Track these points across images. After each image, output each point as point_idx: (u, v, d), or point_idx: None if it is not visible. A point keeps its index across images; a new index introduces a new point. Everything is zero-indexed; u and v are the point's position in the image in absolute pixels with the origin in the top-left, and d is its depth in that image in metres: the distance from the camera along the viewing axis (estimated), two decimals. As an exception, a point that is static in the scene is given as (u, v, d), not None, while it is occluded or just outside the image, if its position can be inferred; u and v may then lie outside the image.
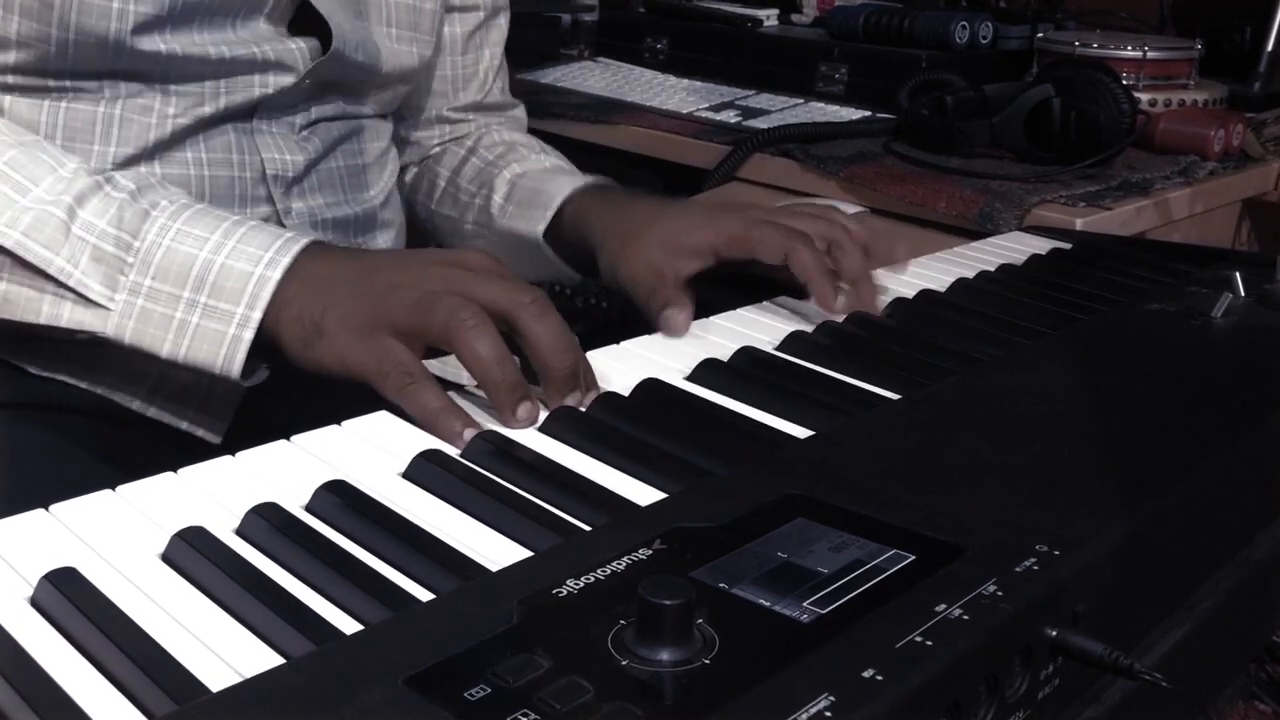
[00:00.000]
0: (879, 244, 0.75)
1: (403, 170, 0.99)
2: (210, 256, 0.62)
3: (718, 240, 0.73)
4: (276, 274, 0.61)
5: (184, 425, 0.74)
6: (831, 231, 0.74)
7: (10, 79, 0.69)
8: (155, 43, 0.69)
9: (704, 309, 0.73)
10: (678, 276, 0.73)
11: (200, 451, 0.72)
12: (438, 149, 0.99)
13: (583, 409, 0.58)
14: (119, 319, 0.62)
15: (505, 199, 0.90)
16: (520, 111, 1.04)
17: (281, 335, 0.61)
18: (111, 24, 0.67)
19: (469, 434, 0.54)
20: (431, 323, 0.57)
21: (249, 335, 0.61)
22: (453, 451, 0.53)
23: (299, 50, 0.76)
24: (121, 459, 0.74)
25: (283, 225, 0.78)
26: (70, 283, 0.62)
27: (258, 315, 0.61)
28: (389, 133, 0.91)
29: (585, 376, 0.59)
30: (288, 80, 0.75)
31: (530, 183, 0.89)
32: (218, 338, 0.61)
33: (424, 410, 0.55)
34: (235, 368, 0.61)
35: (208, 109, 0.73)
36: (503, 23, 0.99)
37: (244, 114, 0.76)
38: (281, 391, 0.73)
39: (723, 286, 0.78)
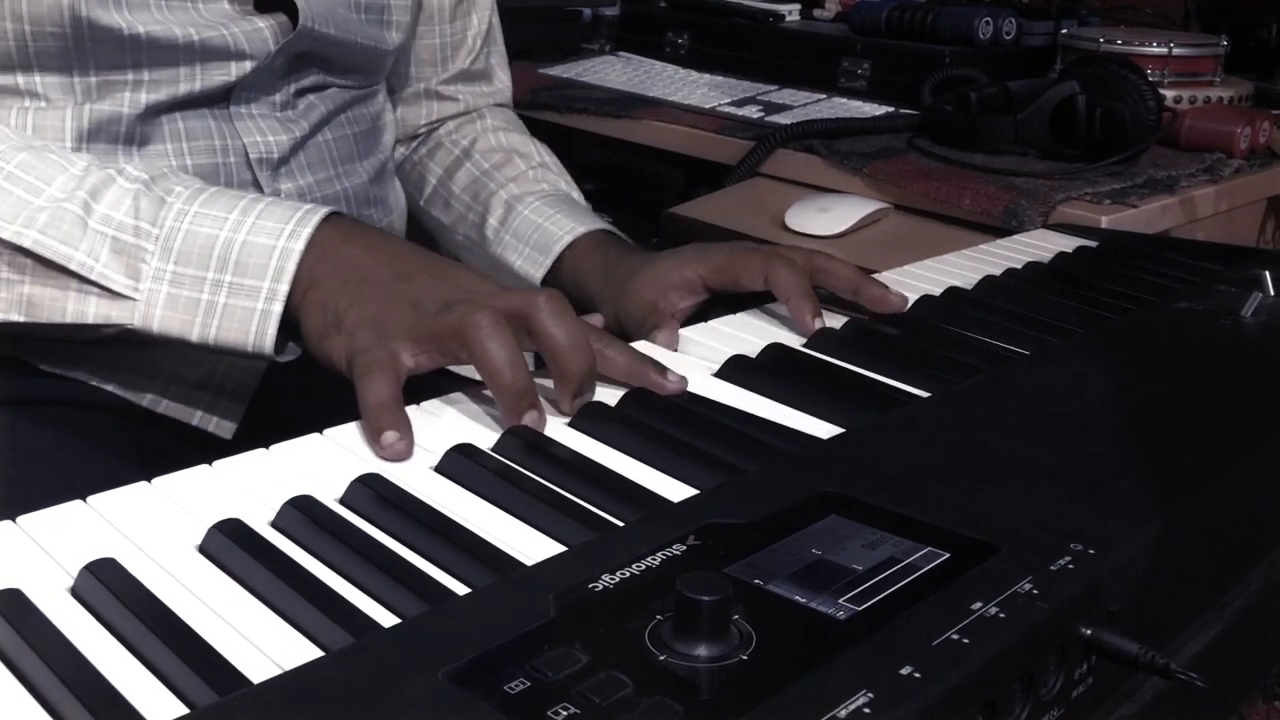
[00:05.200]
0: (867, 285, 0.72)
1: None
2: (231, 235, 0.61)
3: (705, 271, 0.74)
4: (299, 245, 0.61)
5: (195, 421, 0.74)
6: (813, 260, 0.73)
7: None
8: (114, 19, 0.68)
9: (730, 305, 0.74)
10: (672, 312, 0.73)
11: (213, 448, 0.73)
12: (424, 130, 0.98)
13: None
14: (145, 308, 0.62)
15: (500, 223, 0.89)
16: (504, 82, 1.02)
17: (304, 319, 0.61)
18: (64, 1, 0.65)
19: (390, 436, 0.52)
20: (446, 327, 0.56)
21: (278, 309, 0.61)
22: (485, 445, 0.53)
23: (268, 29, 0.74)
24: (133, 455, 0.74)
25: None
26: (93, 276, 0.62)
27: (284, 288, 0.60)
28: (382, 99, 0.90)
29: (656, 369, 0.59)
30: (258, 62, 0.74)
31: (529, 213, 0.88)
32: (247, 315, 0.61)
33: (364, 398, 0.54)
34: (267, 343, 0.61)
35: (181, 94, 0.72)
36: None
37: (219, 98, 0.75)
38: (293, 388, 0.74)
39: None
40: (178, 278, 0.62)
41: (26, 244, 0.61)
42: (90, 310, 0.62)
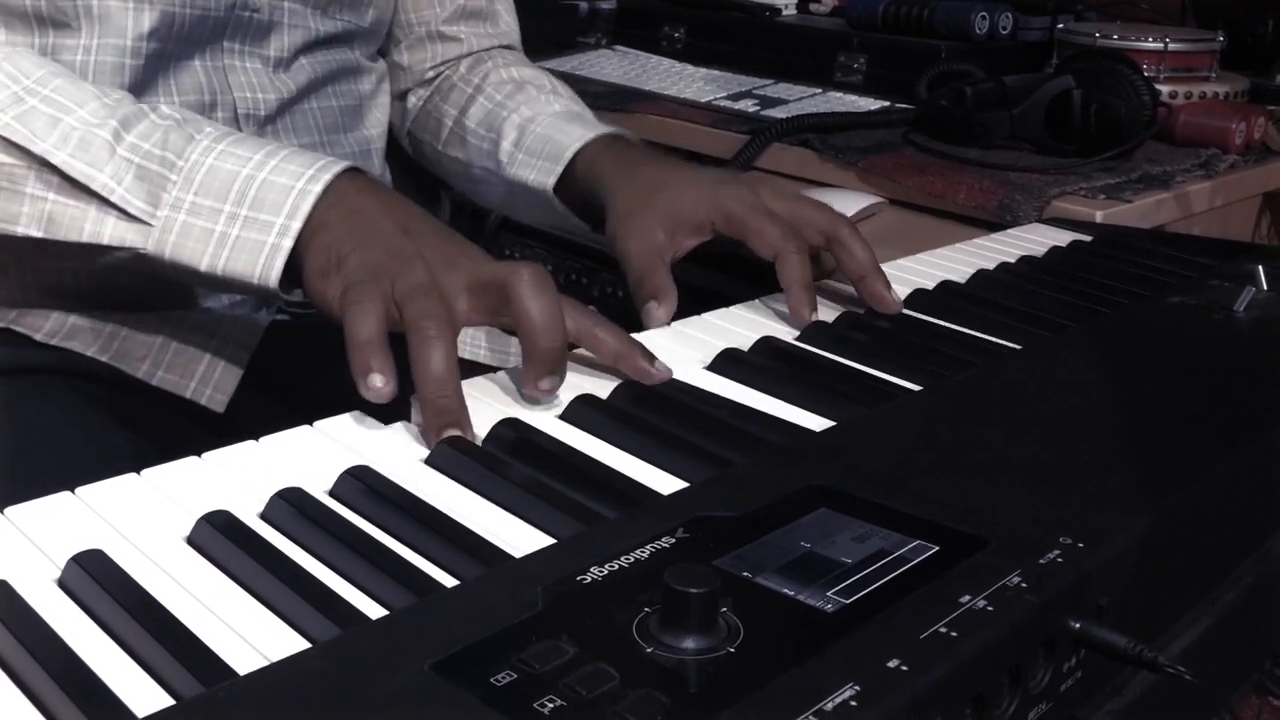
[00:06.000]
0: (873, 278, 0.71)
1: (403, 96, 0.98)
2: (252, 173, 0.63)
3: (716, 218, 0.73)
4: (317, 188, 0.62)
5: (188, 393, 0.75)
6: (835, 228, 0.72)
7: None
8: None
9: (722, 299, 0.73)
10: (675, 255, 0.73)
11: (207, 420, 0.73)
12: (433, 73, 0.98)
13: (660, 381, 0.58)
14: (160, 234, 0.63)
15: (514, 145, 0.88)
16: (510, 25, 1.01)
17: (307, 259, 0.61)
18: None
19: (377, 380, 0.53)
20: (404, 312, 0.56)
21: (288, 244, 0.61)
22: (476, 438, 0.53)
23: None
24: (128, 427, 0.75)
25: None
26: (113, 199, 0.63)
27: (297, 225, 0.61)
28: (377, 77, 0.90)
29: (647, 358, 0.60)
30: None
31: (541, 129, 0.87)
32: (257, 247, 0.62)
33: (351, 331, 0.55)
34: (273, 276, 0.62)
35: (178, 21, 0.72)
36: None
37: (216, 36, 0.75)
38: (287, 363, 0.74)
39: (740, 278, 0.78)
40: (195, 207, 0.63)
41: (55, 161, 0.63)
42: (107, 231, 0.63)
